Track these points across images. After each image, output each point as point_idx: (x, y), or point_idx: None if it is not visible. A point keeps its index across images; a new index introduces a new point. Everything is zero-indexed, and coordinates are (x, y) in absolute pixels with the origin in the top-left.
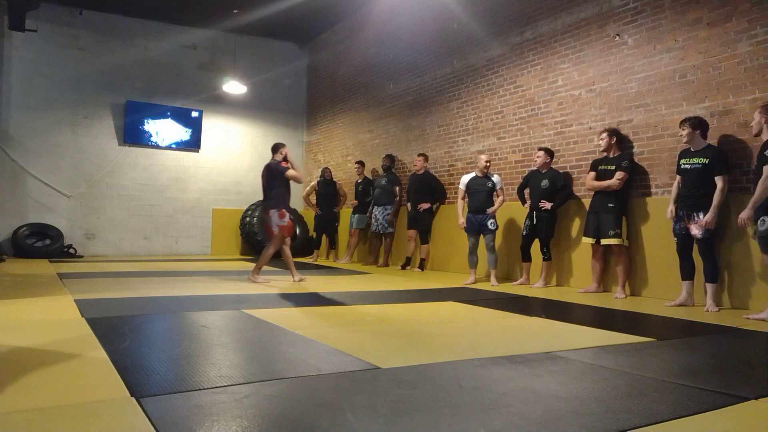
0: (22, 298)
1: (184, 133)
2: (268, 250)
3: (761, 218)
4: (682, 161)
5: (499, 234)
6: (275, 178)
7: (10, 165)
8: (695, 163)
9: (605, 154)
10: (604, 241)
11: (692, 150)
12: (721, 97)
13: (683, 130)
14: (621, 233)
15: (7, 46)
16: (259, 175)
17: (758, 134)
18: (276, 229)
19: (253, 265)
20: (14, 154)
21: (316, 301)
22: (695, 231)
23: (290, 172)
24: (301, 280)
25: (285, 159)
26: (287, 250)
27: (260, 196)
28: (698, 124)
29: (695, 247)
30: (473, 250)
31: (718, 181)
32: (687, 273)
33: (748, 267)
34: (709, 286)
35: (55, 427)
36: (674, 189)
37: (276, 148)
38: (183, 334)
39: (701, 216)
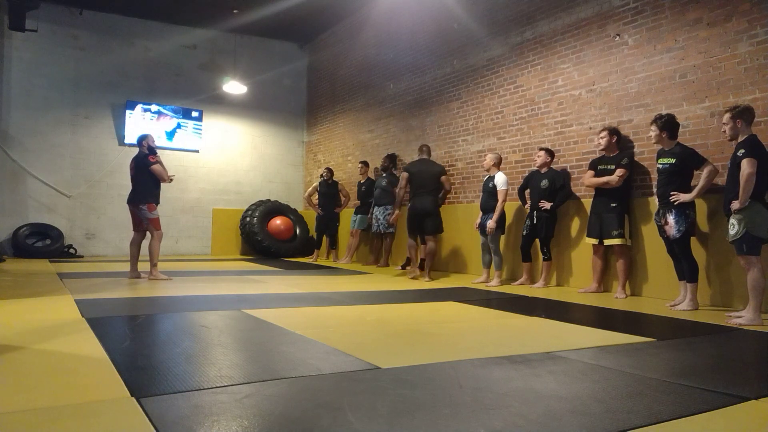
0: (22, 298)
1: (183, 133)
2: (154, 243)
3: (730, 222)
4: (658, 161)
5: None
6: (143, 172)
7: (10, 165)
8: (664, 164)
9: (604, 153)
10: (607, 242)
11: (665, 150)
12: (721, 97)
13: (652, 130)
14: (624, 233)
15: (7, 46)
16: (259, 174)
17: (734, 138)
18: (146, 223)
19: (254, 265)
20: (14, 154)
21: (316, 301)
22: (671, 231)
23: (155, 167)
24: (153, 278)
25: (153, 152)
26: (149, 243)
27: (260, 196)
28: (665, 125)
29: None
30: (484, 249)
31: (704, 171)
32: (681, 273)
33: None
34: (689, 286)
35: (55, 427)
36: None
37: (141, 140)
38: (183, 334)
39: (671, 216)
